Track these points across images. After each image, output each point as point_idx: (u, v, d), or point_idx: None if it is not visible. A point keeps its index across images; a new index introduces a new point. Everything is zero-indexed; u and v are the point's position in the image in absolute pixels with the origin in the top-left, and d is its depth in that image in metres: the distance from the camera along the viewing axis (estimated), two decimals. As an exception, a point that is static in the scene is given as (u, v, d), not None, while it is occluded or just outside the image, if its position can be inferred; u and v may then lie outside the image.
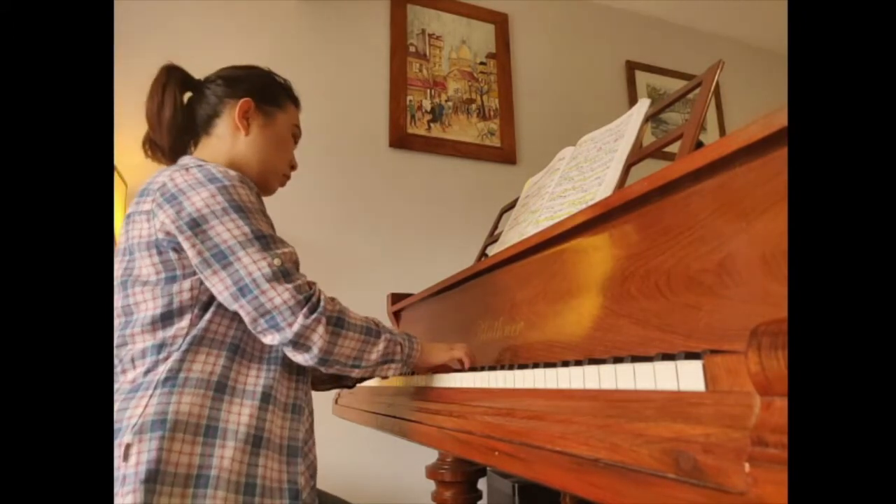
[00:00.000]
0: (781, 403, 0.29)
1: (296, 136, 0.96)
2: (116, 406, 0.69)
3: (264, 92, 0.90)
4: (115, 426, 0.67)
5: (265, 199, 0.87)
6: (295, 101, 0.96)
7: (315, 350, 0.70)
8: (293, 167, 0.97)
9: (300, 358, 0.72)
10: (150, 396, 0.68)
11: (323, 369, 0.74)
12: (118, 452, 0.65)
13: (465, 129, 2.20)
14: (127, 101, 1.67)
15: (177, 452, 0.66)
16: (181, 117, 0.87)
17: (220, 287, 0.70)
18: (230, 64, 0.96)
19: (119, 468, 0.64)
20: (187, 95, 0.90)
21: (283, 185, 0.96)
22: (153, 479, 0.63)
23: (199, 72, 0.94)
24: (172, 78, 0.87)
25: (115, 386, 0.72)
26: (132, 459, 0.64)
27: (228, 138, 0.87)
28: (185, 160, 0.82)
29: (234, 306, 0.70)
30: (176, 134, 0.86)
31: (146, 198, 0.74)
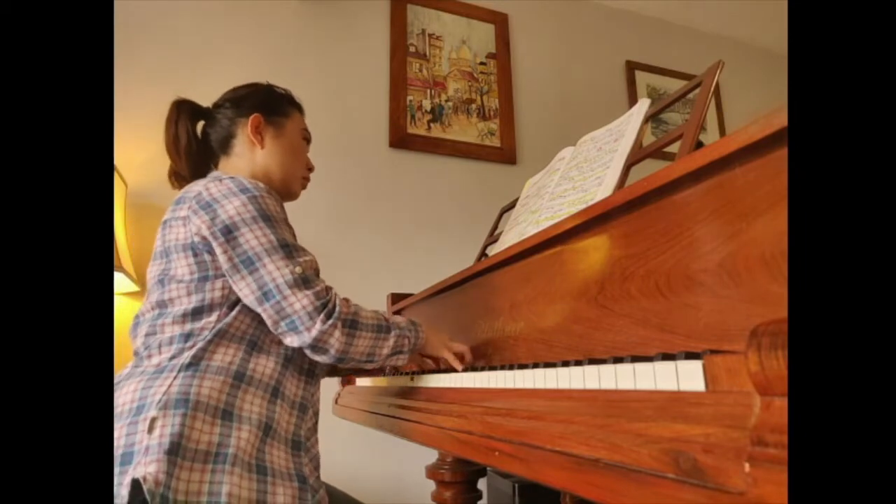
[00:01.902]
0: (781, 403, 0.29)
1: (307, 139, 1.02)
2: (141, 385, 0.73)
3: (269, 105, 0.96)
4: (139, 403, 0.71)
5: (289, 205, 0.94)
6: (298, 107, 1.02)
7: (332, 352, 0.76)
8: (311, 169, 1.03)
9: (319, 358, 0.78)
10: (174, 378, 0.72)
11: (340, 366, 0.81)
12: (142, 427, 0.68)
13: (465, 129, 2.20)
14: (127, 101, 1.68)
15: (198, 430, 0.69)
16: (196, 145, 0.93)
17: (246, 291, 0.76)
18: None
19: (142, 441, 0.67)
20: (200, 124, 0.95)
21: (304, 187, 1.02)
22: (175, 452, 0.67)
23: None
24: (182, 112, 0.93)
25: (140, 369, 0.76)
26: (156, 432, 0.67)
27: (247, 154, 0.93)
28: (215, 174, 0.89)
29: (258, 309, 0.76)
30: (195, 161, 0.93)
31: (182, 205, 0.80)
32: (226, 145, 0.94)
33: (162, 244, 0.81)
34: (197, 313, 0.77)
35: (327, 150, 1.98)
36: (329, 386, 1.50)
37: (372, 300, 1.71)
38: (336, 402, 1.39)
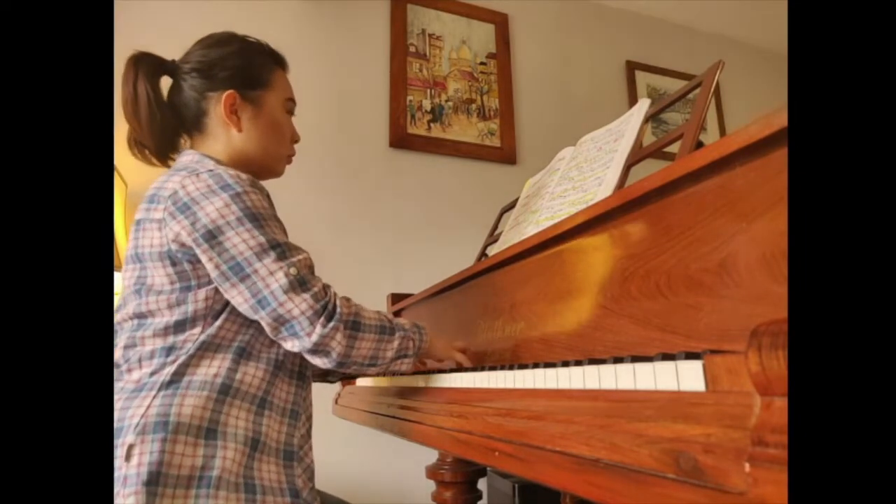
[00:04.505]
0: (781, 403, 0.29)
1: (290, 109, 0.91)
2: (119, 405, 0.69)
3: (245, 76, 0.84)
4: (117, 425, 0.67)
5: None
6: (280, 64, 0.90)
7: (334, 355, 0.72)
8: (296, 141, 0.92)
9: (319, 362, 0.73)
10: (153, 397, 0.68)
11: (341, 370, 0.76)
12: (120, 452, 0.65)
13: (465, 129, 2.20)
14: (127, 101, 1.67)
15: (179, 455, 0.66)
16: (160, 115, 0.81)
17: (239, 299, 0.70)
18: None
19: (120, 468, 0.64)
20: (167, 84, 0.84)
21: (289, 163, 0.93)
22: (155, 482, 0.64)
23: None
24: (142, 69, 0.79)
25: (119, 384, 0.72)
26: (134, 460, 0.64)
27: (222, 136, 0.83)
28: (188, 158, 0.80)
29: (254, 317, 0.71)
30: (160, 132, 0.81)
31: (157, 205, 0.73)
32: (198, 122, 0.83)
33: (134, 248, 0.74)
34: (179, 325, 0.71)
35: (327, 150, 1.98)
36: (329, 385, 1.50)
37: (372, 300, 1.71)
38: (336, 402, 1.39)
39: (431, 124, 2.16)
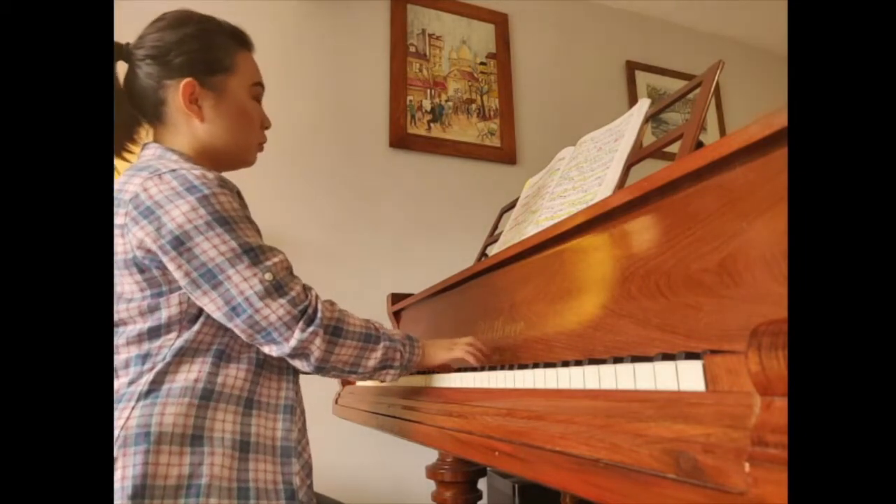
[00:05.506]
0: (781, 403, 0.29)
1: (257, 95, 0.85)
2: None
3: (204, 62, 0.78)
4: None
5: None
6: (244, 45, 0.85)
7: (312, 359, 0.70)
8: (266, 127, 0.87)
9: (298, 364, 0.72)
10: (132, 408, 0.66)
11: (320, 375, 0.74)
12: None
13: (465, 129, 2.20)
14: (127, 101, 1.67)
15: (164, 465, 0.64)
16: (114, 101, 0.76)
17: (211, 307, 0.68)
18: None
19: None
20: (122, 68, 0.79)
21: (261, 150, 0.88)
22: (140, 495, 0.62)
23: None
24: None
25: None
26: (117, 474, 0.63)
27: (184, 126, 0.78)
28: (149, 152, 0.76)
29: (228, 325, 0.69)
30: (118, 122, 0.77)
31: (117, 209, 0.69)
32: (156, 112, 0.78)
33: None
34: (154, 332, 0.69)
35: (327, 150, 1.98)
36: (329, 385, 1.50)
37: (372, 300, 1.73)
38: (336, 402, 1.39)
39: (431, 124, 2.16)
